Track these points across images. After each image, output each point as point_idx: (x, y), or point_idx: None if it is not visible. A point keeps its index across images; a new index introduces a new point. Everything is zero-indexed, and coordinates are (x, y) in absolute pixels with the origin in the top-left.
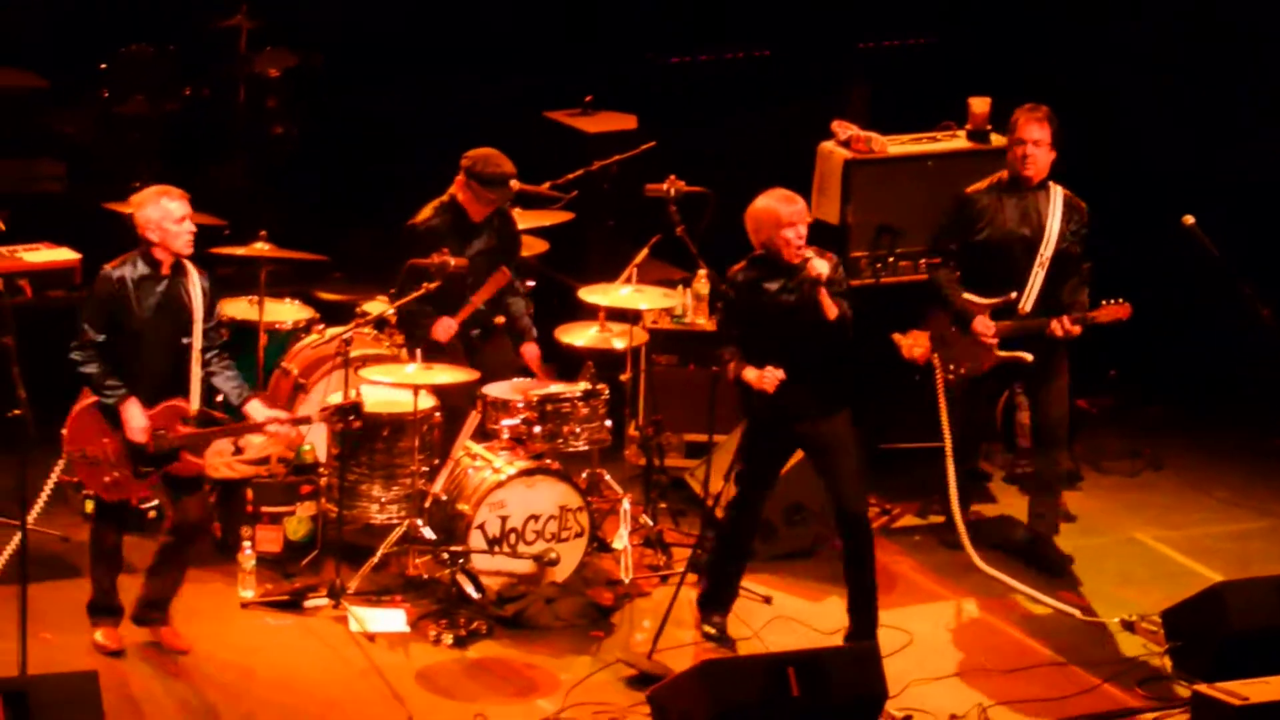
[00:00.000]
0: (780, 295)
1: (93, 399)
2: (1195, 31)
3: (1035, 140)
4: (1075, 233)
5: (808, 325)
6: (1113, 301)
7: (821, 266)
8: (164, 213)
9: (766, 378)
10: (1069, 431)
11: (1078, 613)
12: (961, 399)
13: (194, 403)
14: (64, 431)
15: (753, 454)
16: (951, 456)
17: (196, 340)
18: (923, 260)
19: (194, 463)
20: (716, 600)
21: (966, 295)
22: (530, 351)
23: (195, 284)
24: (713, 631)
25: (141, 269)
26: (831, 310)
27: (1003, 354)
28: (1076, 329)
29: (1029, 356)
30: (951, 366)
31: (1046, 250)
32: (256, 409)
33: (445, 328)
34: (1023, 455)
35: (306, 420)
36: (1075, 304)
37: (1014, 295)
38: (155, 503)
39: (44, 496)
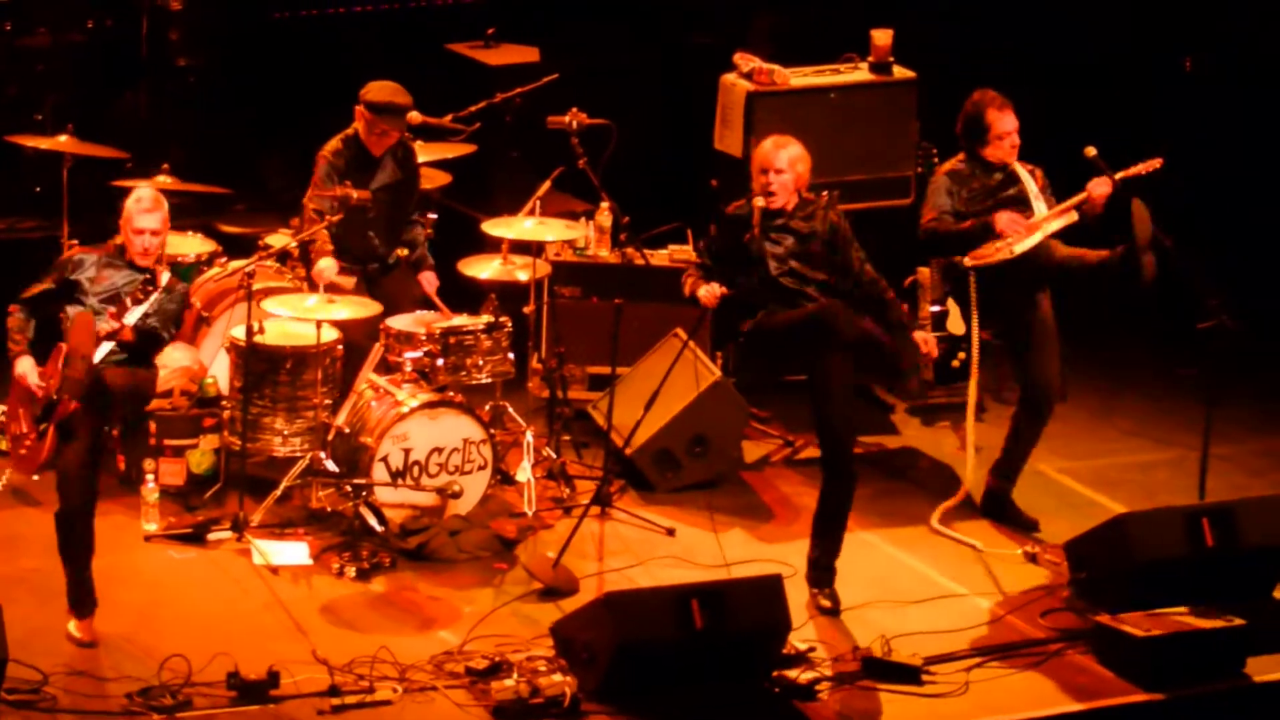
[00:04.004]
0: (779, 230)
1: None
2: None
3: (1015, 129)
4: (1044, 190)
5: (808, 262)
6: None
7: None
8: (126, 217)
9: (712, 292)
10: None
11: (980, 544)
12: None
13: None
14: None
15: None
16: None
17: (126, 319)
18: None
19: (70, 404)
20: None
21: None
22: (428, 279)
23: (158, 289)
24: (829, 605)
25: (114, 255)
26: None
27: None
28: (1108, 188)
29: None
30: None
31: (1037, 205)
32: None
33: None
34: (926, 387)
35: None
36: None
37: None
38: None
39: None
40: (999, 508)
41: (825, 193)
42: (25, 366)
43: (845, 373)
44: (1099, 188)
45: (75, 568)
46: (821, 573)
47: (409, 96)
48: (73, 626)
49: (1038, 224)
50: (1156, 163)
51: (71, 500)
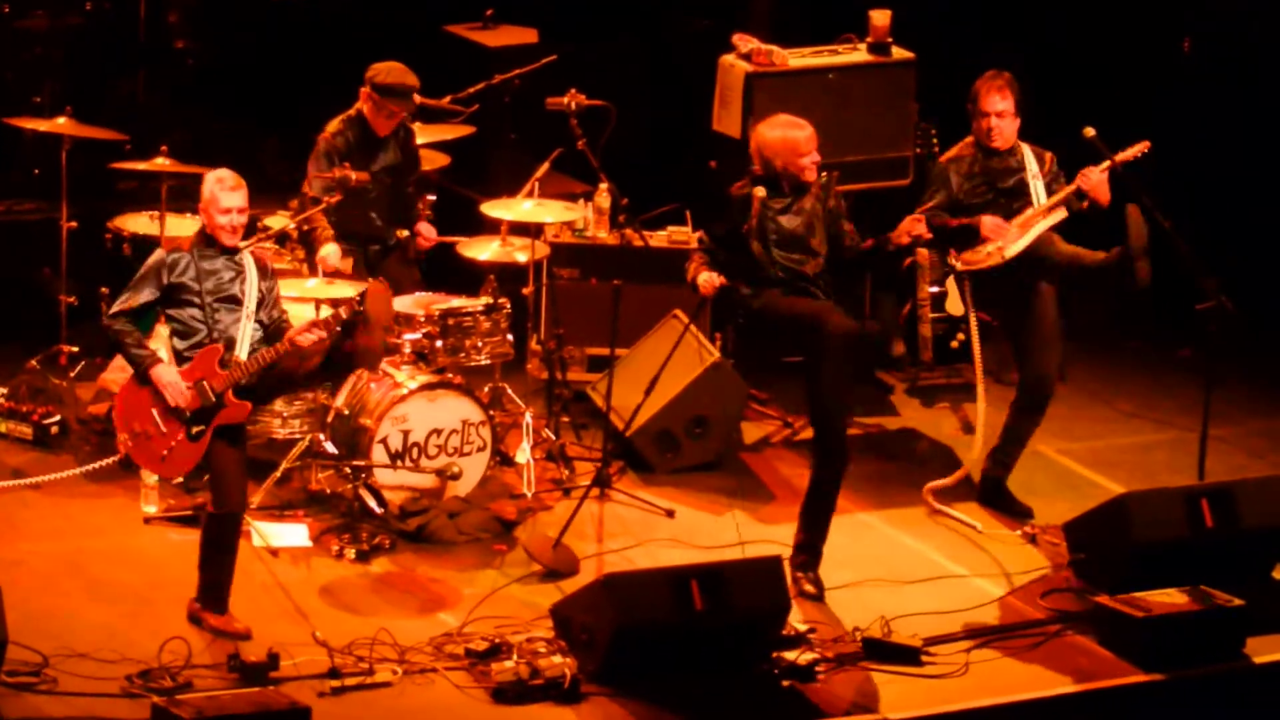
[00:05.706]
0: (783, 215)
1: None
2: None
3: (999, 111)
4: (1053, 181)
5: (809, 244)
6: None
7: None
8: (210, 198)
9: (710, 282)
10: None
11: (980, 525)
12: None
13: (241, 353)
14: (113, 413)
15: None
16: (983, 391)
17: (246, 319)
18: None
19: (242, 403)
20: (817, 552)
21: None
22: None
23: (250, 270)
24: (813, 590)
25: (201, 245)
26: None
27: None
28: (1102, 175)
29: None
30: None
31: (1037, 192)
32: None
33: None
34: (925, 368)
35: (335, 321)
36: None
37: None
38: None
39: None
40: (995, 494)
41: (824, 173)
42: (170, 374)
43: (839, 356)
44: (1088, 177)
45: (222, 568)
46: (808, 557)
47: (416, 77)
48: (216, 621)
49: (1027, 224)
50: (1145, 145)
51: (232, 501)
